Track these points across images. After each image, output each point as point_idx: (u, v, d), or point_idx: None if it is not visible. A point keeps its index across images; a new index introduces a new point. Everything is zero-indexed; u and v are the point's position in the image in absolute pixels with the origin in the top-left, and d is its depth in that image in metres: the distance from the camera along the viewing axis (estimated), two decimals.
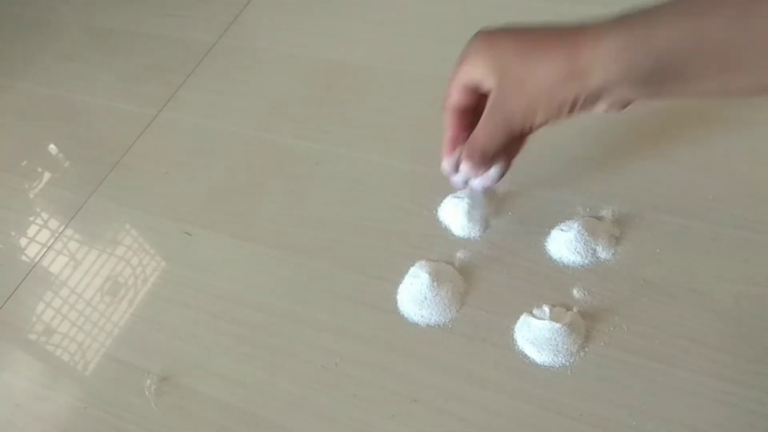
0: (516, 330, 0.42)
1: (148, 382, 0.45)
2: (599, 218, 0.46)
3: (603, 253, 0.44)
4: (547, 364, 0.40)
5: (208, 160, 0.59)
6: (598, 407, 0.38)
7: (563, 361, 0.40)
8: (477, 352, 0.42)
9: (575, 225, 0.44)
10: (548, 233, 0.46)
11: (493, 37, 0.39)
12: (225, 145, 0.60)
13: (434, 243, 0.47)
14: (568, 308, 0.42)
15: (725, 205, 0.45)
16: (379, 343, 0.43)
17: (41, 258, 0.56)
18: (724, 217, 0.44)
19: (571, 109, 0.34)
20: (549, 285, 0.43)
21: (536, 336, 0.40)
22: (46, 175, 0.63)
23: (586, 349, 0.40)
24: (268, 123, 0.61)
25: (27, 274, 0.55)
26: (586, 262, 0.44)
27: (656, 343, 0.40)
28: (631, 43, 0.31)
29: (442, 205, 0.49)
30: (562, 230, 0.45)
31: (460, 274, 0.45)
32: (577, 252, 0.44)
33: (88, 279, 0.53)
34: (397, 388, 0.41)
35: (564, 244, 0.44)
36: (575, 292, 0.43)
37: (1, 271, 0.56)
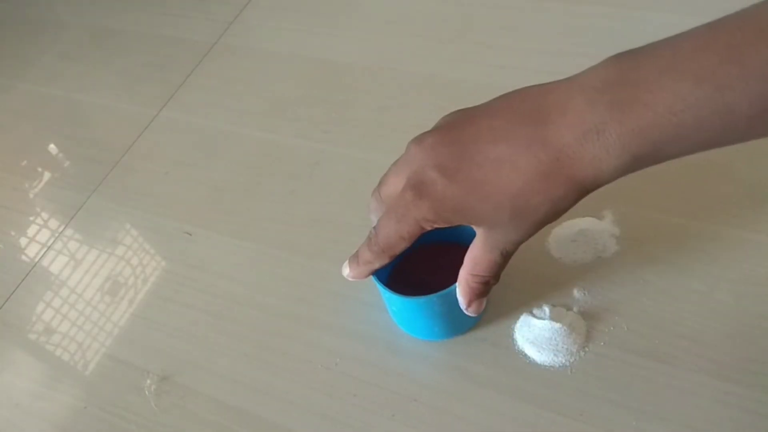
0: (516, 330, 0.42)
1: (148, 381, 0.45)
2: (600, 218, 0.46)
3: (603, 253, 0.44)
4: (547, 364, 0.40)
5: (208, 159, 0.59)
6: (598, 407, 0.38)
7: (563, 361, 0.40)
8: (477, 352, 0.42)
9: (575, 225, 0.44)
10: (548, 233, 0.46)
11: (453, 171, 0.30)
12: (225, 144, 0.60)
13: None
14: (569, 308, 0.42)
15: (725, 205, 0.45)
16: (378, 343, 0.43)
17: (41, 258, 0.56)
18: (724, 217, 0.44)
19: (568, 209, 0.31)
20: (549, 285, 0.43)
21: (536, 336, 0.40)
22: (46, 175, 0.63)
23: (586, 349, 0.40)
24: (268, 123, 0.61)
25: (27, 274, 0.55)
26: (587, 261, 0.44)
27: (656, 343, 0.40)
28: (629, 142, 0.27)
29: None
30: (562, 230, 0.45)
31: None
32: (578, 252, 0.44)
33: (88, 279, 0.53)
34: (397, 387, 0.41)
35: (564, 243, 0.44)
36: (575, 292, 0.43)
37: (1, 271, 0.56)
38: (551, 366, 0.40)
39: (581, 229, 0.44)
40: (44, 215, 0.60)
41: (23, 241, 0.58)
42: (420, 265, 0.42)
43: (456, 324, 0.41)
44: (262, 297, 0.48)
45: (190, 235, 0.54)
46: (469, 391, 0.40)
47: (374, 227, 0.34)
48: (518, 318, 0.42)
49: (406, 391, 0.41)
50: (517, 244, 0.32)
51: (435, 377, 0.41)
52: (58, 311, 0.52)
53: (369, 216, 0.38)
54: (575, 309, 0.41)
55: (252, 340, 0.46)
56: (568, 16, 0.61)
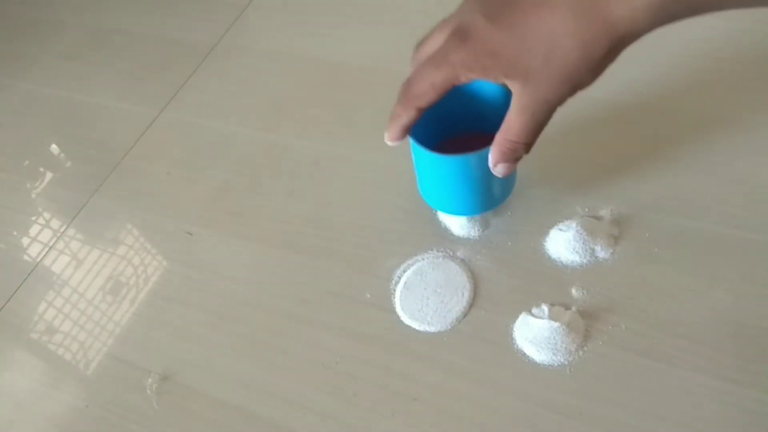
0: (515, 329, 0.42)
1: (150, 381, 0.45)
2: (598, 218, 0.46)
3: (602, 253, 0.44)
4: (545, 363, 0.40)
5: (209, 160, 0.59)
6: (597, 406, 0.38)
7: (562, 360, 0.40)
8: (476, 351, 0.42)
9: (574, 224, 0.44)
10: (547, 233, 0.46)
11: (486, 32, 0.32)
12: (226, 145, 0.60)
13: (434, 243, 0.48)
14: (567, 307, 0.42)
15: (725, 205, 0.45)
16: (379, 342, 0.43)
17: (43, 258, 0.56)
18: (724, 217, 0.44)
19: (603, 67, 0.31)
20: (548, 284, 0.43)
21: (535, 335, 0.40)
22: (48, 175, 0.64)
23: (585, 348, 0.40)
24: (269, 123, 0.61)
25: (29, 274, 0.55)
26: (585, 261, 0.44)
27: (655, 343, 0.40)
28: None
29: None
30: (560, 230, 0.45)
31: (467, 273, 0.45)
32: (576, 251, 0.44)
33: (90, 278, 0.54)
34: (397, 387, 0.41)
35: (563, 243, 0.44)
36: (574, 292, 0.43)
37: (3, 271, 0.56)
38: (550, 365, 0.40)
39: (580, 229, 0.44)
40: (46, 215, 0.60)
41: (25, 241, 0.58)
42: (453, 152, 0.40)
43: (485, 196, 0.42)
44: (262, 297, 0.48)
45: (191, 235, 0.54)
46: (468, 391, 0.40)
47: (406, 80, 0.35)
48: (517, 317, 0.42)
49: (406, 390, 0.41)
50: (548, 105, 0.32)
51: (435, 376, 0.41)
52: (59, 311, 0.52)
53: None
54: (574, 308, 0.41)
55: (253, 339, 0.46)
56: None
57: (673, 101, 0.52)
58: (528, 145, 0.35)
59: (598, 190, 0.48)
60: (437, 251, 0.47)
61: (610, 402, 0.38)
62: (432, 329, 0.43)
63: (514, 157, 0.36)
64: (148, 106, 0.66)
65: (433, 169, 0.41)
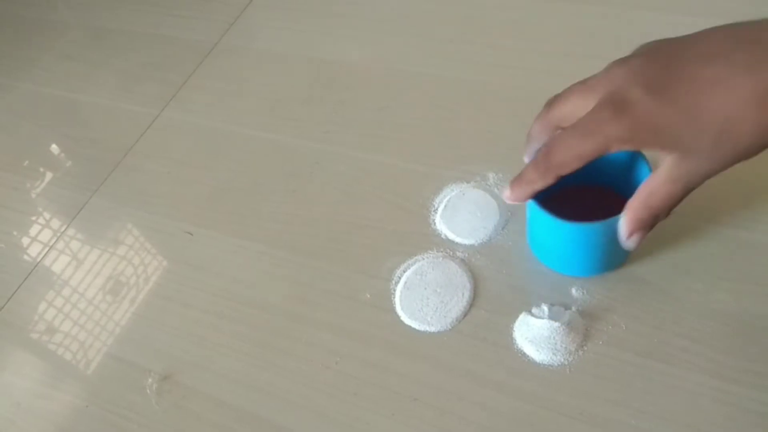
0: (515, 329, 0.42)
1: (150, 381, 0.45)
2: None
3: None
4: (545, 363, 0.40)
5: (210, 159, 0.59)
6: (597, 406, 0.38)
7: (562, 360, 0.40)
8: (476, 351, 0.42)
9: None
10: None
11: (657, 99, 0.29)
12: (226, 144, 0.60)
13: (434, 243, 0.48)
14: (567, 307, 0.42)
15: (725, 205, 0.45)
16: (379, 342, 0.43)
17: (43, 257, 0.56)
18: (724, 217, 0.44)
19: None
20: (548, 284, 0.43)
21: (535, 335, 0.40)
22: (48, 175, 0.64)
23: (585, 348, 0.40)
24: (269, 123, 0.61)
25: (29, 274, 0.55)
26: None
27: (655, 343, 0.40)
28: None
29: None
30: None
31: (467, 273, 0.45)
32: None
33: (90, 278, 0.54)
34: (397, 387, 0.41)
35: None
36: (574, 291, 0.43)
37: (3, 271, 0.56)
38: (550, 365, 0.40)
39: None
40: (46, 215, 0.60)
41: (25, 240, 0.58)
42: (564, 206, 0.37)
43: (605, 260, 0.40)
44: (262, 297, 0.48)
45: (192, 234, 0.54)
46: (468, 391, 0.40)
47: (545, 143, 0.33)
48: (517, 317, 0.42)
49: (407, 390, 0.41)
50: (704, 178, 0.31)
51: (435, 377, 0.41)
52: (60, 311, 0.52)
53: (528, 144, 0.37)
54: (574, 308, 0.41)
55: (253, 339, 0.46)
56: (569, 16, 0.61)
57: None
58: (670, 212, 0.33)
59: None
60: (437, 251, 0.47)
61: (610, 402, 0.38)
62: (432, 329, 0.43)
63: (651, 225, 0.33)
64: (148, 105, 0.66)
65: (554, 234, 0.39)
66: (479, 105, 0.56)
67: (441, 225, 0.48)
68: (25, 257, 0.57)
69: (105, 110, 0.68)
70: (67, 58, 0.76)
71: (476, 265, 0.46)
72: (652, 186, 0.32)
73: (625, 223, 0.33)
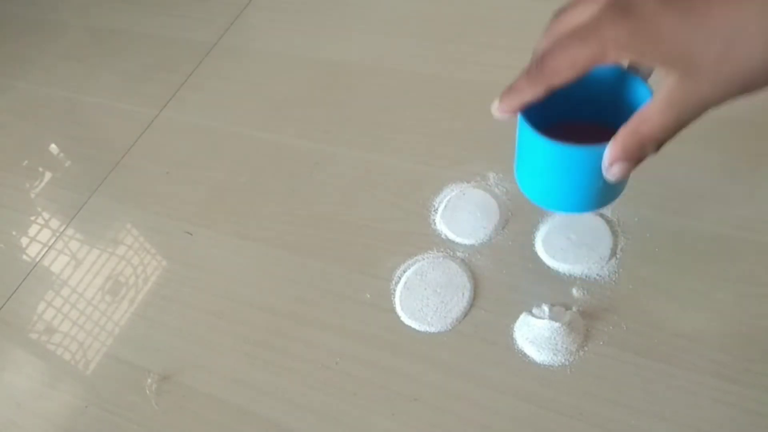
0: (515, 329, 0.42)
1: (149, 381, 0.45)
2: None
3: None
4: (546, 363, 0.40)
5: (209, 159, 0.59)
6: (598, 406, 0.38)
7: (562, 360, 0.40)
8: (477, 351, 0.42)
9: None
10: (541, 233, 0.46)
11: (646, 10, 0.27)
12: (225, 145, 0.60)
13: (434, 242, 0.48)
14: (568, 307, 0.42)
15: (725, 205, 0.45)
16: (379, 342, 0.43)
17: (42, 257, 0.56)
18: (724, 217, 0.44)
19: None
20: (548, 284, 0.43)
21: (536, 335, 0.40)
22: (47, 175, 0.64)
23: (586, 349, 0.40)
24: (268, 123, 0.61)
25: (28, 274, 0.55)
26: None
27: (656, 343, 0.40)
28: None
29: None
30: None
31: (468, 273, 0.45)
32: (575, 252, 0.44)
33: (89, 278, 0.53)
34: (397, 387, 0.41)
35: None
36: (574, 292, 0.43)
37: (3, 271, 0.56)
38: (550, 365, 0.40)
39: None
40: (45, 215, 0.60)
41: (24, 240, 0.58)
42: (561, 139, 0.34)
43: (588, 195, 0.36)
44: (262, 297, 0.48)
45: (191, 234, 0.54)
46: (468, 391, 0.40)
47: (540, 51, 0.30)
48: (517, 317, 0.42)
49: (407, 390, 0.41)
50: (702, 107, 0.28)
51: (435, 376, 0.41)
52: (59, 311, 0.52)
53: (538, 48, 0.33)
54: (574, 308, 0.41)
55: (252, 339, 0.46)
56: None
57: None
58: (659, 146, 0.30)
59: None
60: (437, 251, 0.47)
61: (610, 402, 0.38)
62: (432, 329, 0.43)
63: (639, 156, 0.30)
64: (148, 106, 0.66)
65: (537, 155, 0.35)
66: (479, 105, 0.56)
67: (441, 225, 0.48)
68: (25, 257, 0.57)
69: (105, 110, 0.68)
70: (67, 58, 0.76)
71: (476, 265, 0.46)
72: (645, 113, 0.29)
73: (611, 149, 0.31)
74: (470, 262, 0.46)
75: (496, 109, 0.34)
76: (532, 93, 0.31)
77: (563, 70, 0.29)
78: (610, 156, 0.31)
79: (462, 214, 0.48)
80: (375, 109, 0.59)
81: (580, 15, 0.30)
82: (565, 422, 0.38)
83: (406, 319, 0.44)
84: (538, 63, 0.31)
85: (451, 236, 0.47)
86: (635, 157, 0.30)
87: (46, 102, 0.71)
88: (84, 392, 0.46)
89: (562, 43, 0.29)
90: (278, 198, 0.54)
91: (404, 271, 0.46)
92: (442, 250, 0.47)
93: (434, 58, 0.62)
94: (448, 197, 0.49)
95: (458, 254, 0.46)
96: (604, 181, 0.32)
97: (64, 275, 0.54)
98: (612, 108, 0.32)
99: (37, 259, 0.56)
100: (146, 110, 0.66)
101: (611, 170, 0.31)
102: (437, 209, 0.49)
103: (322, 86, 0.63)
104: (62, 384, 0.47)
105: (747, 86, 0.27)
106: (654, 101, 0.29)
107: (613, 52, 0.28)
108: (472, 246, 0.47)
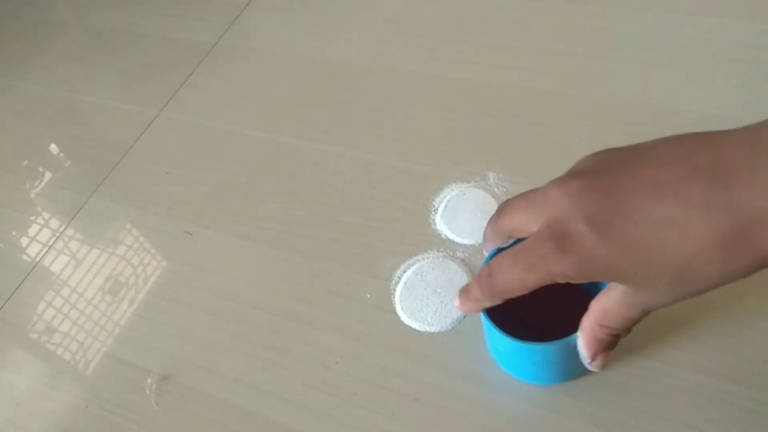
0: None
1: (149, 381, 0.45)
2: None
3: None
4: None
5: (209, 159, 0.59)
6: (597, 406, 0.38)
7: None
8: (477, 351, 0.42)
9: None
10: None
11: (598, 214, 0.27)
12: (225, 144, 0.60)
13: (434, 242, 0.48)
14: None
15: None
16: (379, 342, 0.43)
17: (42, 257, 0.56)
18: None
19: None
20: None
21: None
22: (47, 175, 0.64)
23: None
24: (268, 123, 0.61)
25: (28, 274, 0.55)
26: None
27: (656, 343, 0.40)
28: None
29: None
30: None
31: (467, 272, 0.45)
32: None
33: (89, 278, 0.53)
34: (397, 387, 0.41)
35: None
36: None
37: (2, 271, 0.56)
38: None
39: None
40: (45, 215, 0.60)
41: (24, 240, 0.58)
42: (528, 301, 0.33)
43: (568, 371, 0.38)
44: (262, 297, 0.48)
45: (191, 234, 0.54)
46: (468, 391, 0.40)
47: (488, 265, 0.31)
48: None
49: (407, 390, 0.41)
50: (661, 306, 0.29)
51: (435, 377, 0.41)
52: (59, 311, 0.52)
53: (484, 244, 0.36)
54: None
55: (252, 339, 0.46)
56: (569, 16, 0.61)
57: (675, 101, 0.52)
58: (630, 329, 0.31)
59: None
60: (437, 251, 0.47)
61: (611, 402, 0.38)
62: (432, 329, 0.43)
63: (612, 346, 0.31)
64: (148, 106, 0.66)
65: (510, 349, 0.37)
66: (479, 105, 0.56)
67: (441, 225, 0.48)
68: (24, 257, 0.57)
69: (104, 110, 0.68)
70: (67, 58, 0.76)
71: (476, 265, 0.46)
72: (606, 307, 0.30)
73: (584, 346, 0.32)
74: (470, 262, 0.46)
75: (457, 308, 0.34)
76: (489, 303, 0.32)
77: (515, 290, 0.30)
78: (588, 351, 0.32)
79: (462, 214, 0.48)
80: (375, 109, 0.59)
81: (521, 222, 0.30)
82: (565, 422, 0.38)
83: (406, 319, 0.44)
84: (488, 282, 0.31)
85: (451, 236, 0.47)
86: (610, 347, 0.32)
87: (45, 102, 0.71)
88: (84, 392, 0.46)
89: (510, 269, 0.29)
90: (278, 198, 0.54)
91: (404, 271, 0.46)
92: (442, 250, 0.47)
93: (434, 58, 0.62)
94: (448, 197, 0.49)
95: (458, 254, 0.46)
96: (577, 359, 0.33)
97: (64, 275, 0.54)
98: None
99: (37, 259, 0.56)
100: (146, 110, 0.66)
101: (594, 365, 0.33)
102: (437, 209, 0.49)
103: (322, 86, 0.63)
104: (62, 384, 0.47)
105: (708, 290, 0.27)
106: (613, 297, 0.29)
107: (563, 280, 0.28)
108: (472, 246, 0.47)
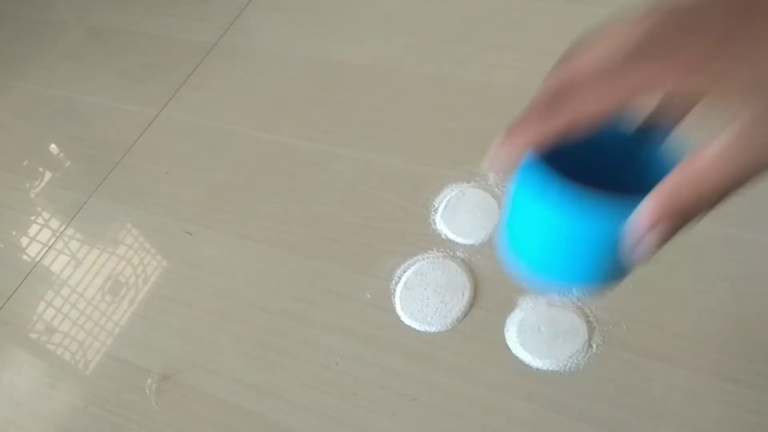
0: (516, 328, 0.42)
1: (149, 380, 0.45)
2: None
3: None
4: (546, 363, 0.40)
5: (209, 159, 0.59)
6: (597, 406, 0.38)
7: (562, 360, 0.40)
8: (476, 351, 0.42)
9: None
10: None
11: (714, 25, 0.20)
12: (225, 144, 0.60)
13: (434, 242, 0.47)
14: (568, 307, 0.42)
15: (725, 205, 0.45)
16: (379, 342, 0.43)
17: (42, 257, 0.56)
18: (724, 217, 0.44)
19: None
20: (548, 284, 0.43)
21: (536, 334, 0.40)
22: (47, 175, 0.63)
23: (585, 348, 0.40)
24: (268, 123, 0.61)
25: (28, 274, 0.55)
26: None
27: (656, 343, 0.40)
28: None
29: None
30: None
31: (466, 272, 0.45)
32: None
33: (89, 278, 0.53)
34: (397, 387, 0.41)
35: None
36: (575, 291, 0.43)
37: (3, 271, 0.56)
38: (550, 365, 0.40)
39: None
40: (45, 215, 0.60)
41: (24, 240, 0.58)
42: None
43: (607, 265, 0.27)
44: (262, 297, 0.48)
45: (191, 234, 0.54)
46: (468, 391, 0.40)
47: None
48: (518, 317, 0.42)
49: (406, 390, 0.41)
50: None
51: (435, 377, 0.41)
52: (59, 311, 0.52)
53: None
54: (575, 308, 0.41)
55: (252, 339, 0.46)
56: (569, 15, 0.61)
57: None
58: (714, 205, 0.22)
59: None
60: (437, 251, 0.47)
61: (611, 402, 0.38)
62: (432, 329, 0.43)
63: (682, 219, 0.22)
64: (148, 105, 0.66)
65: (554, 219, 0.25)
66: (479, 105, 0.56)
67: (441, 225, 0.48)
68: (25, 257, 0.57)
69: (104, 110, 0.68)
70: (67, 58, 0.76)
71: (476, 265, 0.46)
72: (706, 160, 0.21)
73: (643, 217, 0.22)
74: (470, 262, 0.46)
75: (499, 148, 0.24)
76: (550, 126, 0.23)
77: (597, 100, 0.22)
78: (642, 227, 0.22)
79: (462, 214, 0.48)
80: (375, 109, 0.59)
81: (603, 54, 0.23)
82: (565, 422, 0.38)
83: (406, 319, 0.44)
84: (557, 93, 0.23)
85: (451, 236, 0.47)
86: (681, 220, 0.22)
87: (46, 102, 0.71)
88: (84, 392, 0.46)
89: (584, 83, 0.22)
90: (278, 198, 0.54)
91: (404, 271, 0.46)
92: (442, 250, 0.47)
93: (434, 58, 0.62)
94: (448, 197, 0.49)
95: (458, 254, 0.46)
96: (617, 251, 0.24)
97: (64, 275, 0.54)
98: (619, 183, 0.24)
99: (37, 259, 0.56)
100: (146, 110, 0.66)
101: (638, 249, 0.23)
102: (437, 209, 0.49)
103: (322, 86, 0.63)
104: (62, 384, 0.47)
105: None
106: (712, 147, 0.21)
107: (676, 78, 0.20)
108: (472, 246, 0.47)
